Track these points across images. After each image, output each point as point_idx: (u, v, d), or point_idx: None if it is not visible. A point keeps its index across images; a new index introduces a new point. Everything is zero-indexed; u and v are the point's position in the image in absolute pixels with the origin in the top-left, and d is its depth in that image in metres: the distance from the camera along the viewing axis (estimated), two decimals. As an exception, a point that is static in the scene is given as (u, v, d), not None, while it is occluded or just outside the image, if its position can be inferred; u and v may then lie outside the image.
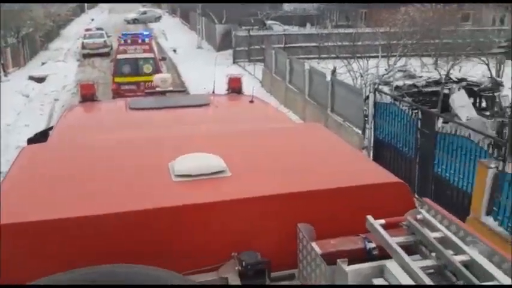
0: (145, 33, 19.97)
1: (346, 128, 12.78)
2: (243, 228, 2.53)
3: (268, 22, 35.94)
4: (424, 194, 9.84)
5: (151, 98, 5.54)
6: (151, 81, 6.15)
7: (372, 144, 11.72)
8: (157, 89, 5.66)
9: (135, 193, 2.67)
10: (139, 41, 17.96)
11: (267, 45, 22.77)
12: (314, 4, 41.10)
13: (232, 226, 2.51)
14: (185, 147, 3.00)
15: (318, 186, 2.69)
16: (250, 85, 6.09)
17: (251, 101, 4.97)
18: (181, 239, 2.45)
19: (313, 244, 2.38)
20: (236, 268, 2.38)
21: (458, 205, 8.74)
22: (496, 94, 15.70)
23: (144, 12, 56.44)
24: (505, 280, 1.97)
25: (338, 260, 2.13)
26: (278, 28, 32.90)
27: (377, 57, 18.51)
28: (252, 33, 28.11)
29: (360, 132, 12.07)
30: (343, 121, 13.08)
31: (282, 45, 26.15)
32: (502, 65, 17.32)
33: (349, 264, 2.15)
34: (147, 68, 17.20)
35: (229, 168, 2.84)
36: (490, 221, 7.70)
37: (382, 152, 11.41)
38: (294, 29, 33.43)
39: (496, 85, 15.97)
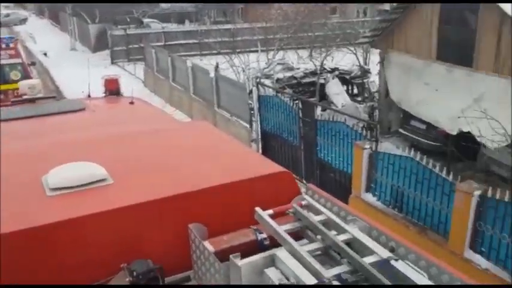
0: (8, 36, 18.21)
1: (234, 122, 12.97)
2: (132, 237, 2.42)
3: (146, 20, 34.98)
4: (311, 179, 10.40)
5: (19, 108, 5.04)
6: None
7: (260, 137, 12.05)
8: (25, 96, 5.17)
9: (6, 213, 2.40)
10: (3, 45, 16.34)
11: (145, 43, 22.16)
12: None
13: (119, 236, 2.39)
14: (60, 158, 2.77)
15: (207, 184, 2.68)
16: (132, 86, 5.85)
17: (131, 103, 4.78)
18: (61, 257, 2.27)
19: (206, 243, 2.36)
20: (127, 279, 2.28)
21: (341, 186, 9.38)
22: (365, 81, 17.11)
23: (7, 15, 51.29)
24: (383, 253, 2.13)
25: (230, 256, 2.14)
26: (156, 26, 32.16)
27: (257, 51, 19.04)
28: (129, 32, 27.12)
29: (247, 125, 12.33)
30: (230, 116, 13.25)
31: (162, 43, 25.69)
32: (368, 54, 18.94)
33: (243, 258, 2.17)
34: (15, 74, 15.72)
35: (111, 175, 2.69)
36: (369, 197, 8.40)
37: (270, 143, 11.80)
38: (173, 27, 32.97)
39: (365, 72, 17.40)
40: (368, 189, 8.42)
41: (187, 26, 33.73)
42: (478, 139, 9.36)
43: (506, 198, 6.09)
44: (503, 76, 9.80)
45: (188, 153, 3.23)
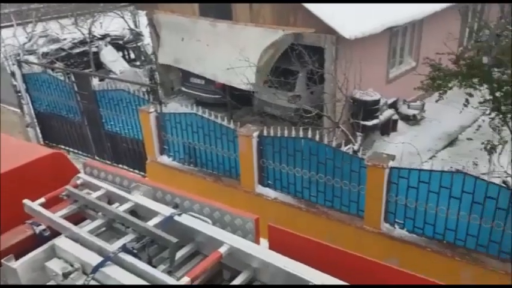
0: None
1: (1, 109, 11.38)
2: None
3: None
4: (104, 154, 9.97)
5: None
6: None
7: (35, 120, 10.90)
8: None
9: None
10: None
11: None
12: None
13: None
14: None
15: None
16: None
17: None
18: None
19: None
20: None
21: (136, 153, 9.26)
22: (139, 44, 16.81)
23: None
24: (166, 211, 2.17)
25: (2, 260, 1.91)
26: None
27: (12, 26, 16.79)
28: None
29: (18, 110, 10.98)
30: (-6, 103, 11.57)
31: None
32: (137, 16, 18.50)
33: (22, 257, 1.96)
34: None
35: None
36: (165, 159, 8.51)
37: (49, 124, 10.80)
38: None
39: (137, 36, 17.05)
40: (162, 151, 8.50)
41: None
42: (247, 86, 10.26)
43: (279, 134, 6.90)
44: (258, 25, 10.80)
45: None
